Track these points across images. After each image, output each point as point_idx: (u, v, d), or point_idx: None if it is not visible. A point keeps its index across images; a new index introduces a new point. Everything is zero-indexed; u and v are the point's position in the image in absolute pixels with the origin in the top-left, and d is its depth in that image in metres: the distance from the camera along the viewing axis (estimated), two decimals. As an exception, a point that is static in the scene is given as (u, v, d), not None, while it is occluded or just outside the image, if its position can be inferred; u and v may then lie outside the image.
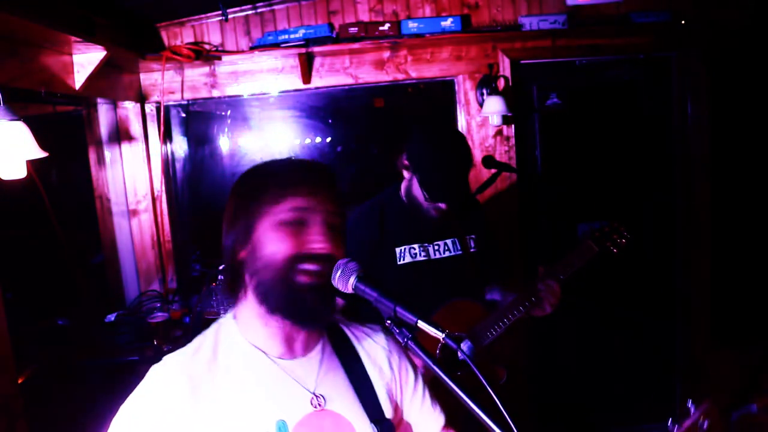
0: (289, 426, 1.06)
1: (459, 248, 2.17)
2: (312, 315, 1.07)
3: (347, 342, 1.22)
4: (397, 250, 2.11)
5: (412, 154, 2.06)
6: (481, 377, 0.91)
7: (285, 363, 1.12)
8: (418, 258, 2.12)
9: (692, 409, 1.10)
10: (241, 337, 1.12)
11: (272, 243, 1.06)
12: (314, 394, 1.11)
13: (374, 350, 1.23)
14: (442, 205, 2.03)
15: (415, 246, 2.12)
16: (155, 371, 1.07)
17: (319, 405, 1.11)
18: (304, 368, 1.13)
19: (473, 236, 2.21)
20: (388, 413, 1.18)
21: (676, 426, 1.11)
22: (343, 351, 1.20)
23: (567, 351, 3.53)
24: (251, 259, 1.08)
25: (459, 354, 0.96)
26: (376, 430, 1.12)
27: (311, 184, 1.10)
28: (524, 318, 2.10)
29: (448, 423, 1.30)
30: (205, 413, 1.03)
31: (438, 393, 1.28)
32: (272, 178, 1.11)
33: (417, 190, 2.04)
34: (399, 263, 2.10)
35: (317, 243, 1.06)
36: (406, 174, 2.12)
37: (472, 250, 2.19)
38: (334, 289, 1.07)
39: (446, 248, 2.17)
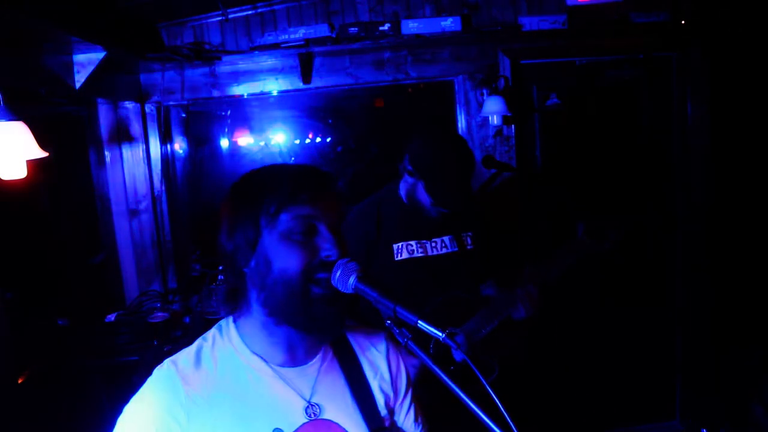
0: None
1: (455, 245, 2.19)
2: (325, 326, 1.07)
3: (349, 348, 1.21)
4: (395, 246, 2.13)
5: (417, 161, 2.08)
6: (479, 376, 0.92)
7: (285, 371, 1.11)
8: (416, 254, 2.14)
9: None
10: (242, 344, 1.10)
11: (282, 257, 1.03)
12: (309, 402, 1.10)
13: (375, 357, 1.23)
14: (447, 210, 2.06)
15: (413, 243, 2.14)
16: (155, 375, 1.08)
17: (314, 414, 1.10)
18: (303, 376, 1.12)
19: (470, 233, 2.24)
20: (387, 422, 1.18)
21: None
22: (345, 358, 1.19)
23: (567, 350, 3.52)
24: (259, 273, 1.06)
25: (454, 351, 0.97)
26: None
27: (312, 190, 1.06)
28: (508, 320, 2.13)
29: None
30: (201, 419, 1.03)
31: (435, 390, 1.28)
32: (271, 187, 1.06)
33: (422, 195, 2.07)
34: (396, 259, 2.12)
35: (328, 251, 1.04)
36: (408, 178, 2.13)
37: (468, 247, 2.22)
38: (347, 298, 1.06)
39: (443, 245, 2.19)
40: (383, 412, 1.18)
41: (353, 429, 1.13)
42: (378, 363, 1.22)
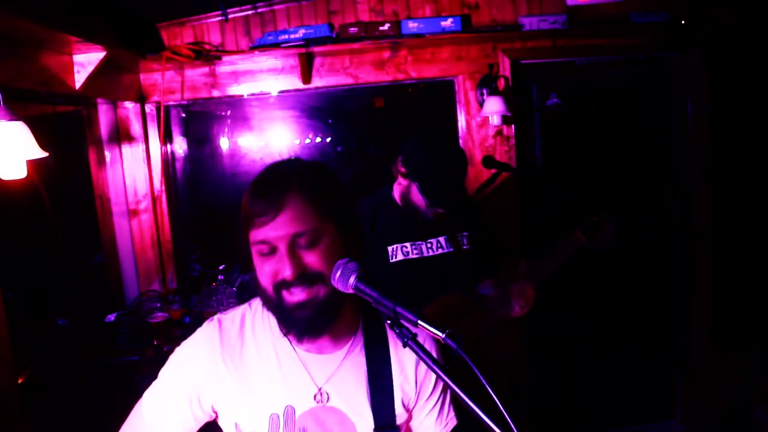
0: (296, 413, 1.15)
1: (451, 246, 2.19)
2: (307, 329, 1.11)
3: (383, 343, 1.23)
4: (389, 248, 2.14)
5: (410, 163, 2.09)
6: (479, 375, 0.92)
7: (307, 356, 1.18)
8: (411, 256, 2.15)
9: None
10: (276, 324, 1.18)
11: (258, 270, 1.12)
12: (320, 389, 1.17)
13: (405, 357, 1.24)
14: (442, 209, 2.06)
15: (407, 244, 2.15)
16: (203, 329, 1.22)
17: (321, 400, 1.16)
18: (322, 364, 1.18)
19: (465, 234, 2.24)
20: (400, 420, 1.21)
21: None
22: (374, 351, 1.22)
23: (566, 350, 3.53)
24: (254, 280, 1.15)
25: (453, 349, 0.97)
26: None
27: (273, 212, 1.07)
28: (504, 317, 2.13)
29: None
30: (228, 379, 1.16)
31: None
32: (247, 205, 1.11)
33: (416, 196, 2.08)
34: (391, 261, 2.13)
35: (285, 270, 1.07)
36: (402, 180, 2.14)
37: (464, 247, 2.22)
38: (331, 300, 1.09)
39: (439, 246, 2.19)
40: (398, 410, 1.20)
41: (360, 421, 1.18)
42: (406, 363, 1.24)
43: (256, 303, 1.23)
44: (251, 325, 1.21)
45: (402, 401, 1.21)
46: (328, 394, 1.17)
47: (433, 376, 1.26)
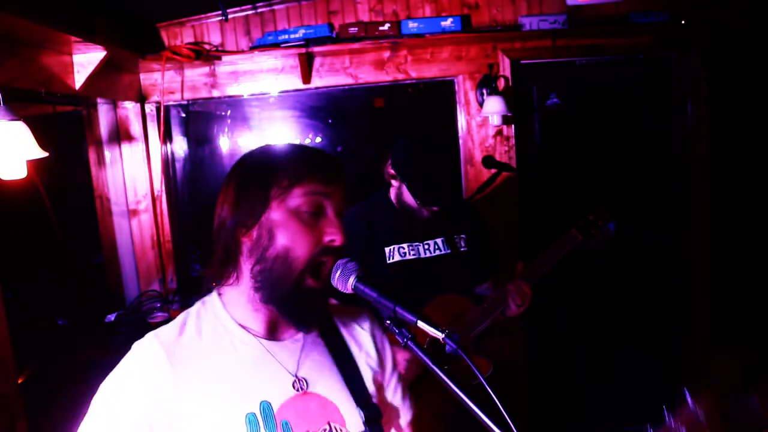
0: (273, 407, 1.06)
1: (448, 247, 2.19)
2: (305, 317, 1.08)
3: (333, 326, 1.22)
4: (387, 249, 2.14)
5: (398, 163, 2.10)
6: (479, 375, 0.92)
7: (268, 344, 1.11)
8: (408, 256, 2.15)
9: (689, 399, 1.07)
10: (226, 315, 1.11)
11: (288, 235, 1.03)
12: (296, 377, 1.10)
13: (359, 334, 1.23)
14: (435, 207, 2.06)
15: (405, 245, 2.15)
16: (136, 348, 1.09)
17: (301, 388, 1.09)
18: (287, 351, 1.12)
19: (463, 236, 2.24)
20: (374, 397, 1.18)
21: (671, 417, 1.05)
22: (329, 335, 1.19)
23: (566, 350, 3.53)
24: (258, 244, 1.06)
25: (447, 348, 0.97)
26: (362, 413, 1.11)
27: (327, 170, 1.08)
28: (501, 318, 2.13)
29: (415, 421, 1.29)
30: (186, 390, 1.03)
31: (431, 388, 1.28)
32: (287, 160, 1.09)
33: (408, 197, 2.08)
34: (388, 262, 2.13)
35: (334, 235, 1.05)
36: (393, 182, 2.14)
37: (462, 249, 2.22)
38: (332, 292, 1.07)
39: (436, 247, 2.19)
40: (371, 387, 1.18)
41: (341, 403, 1.12)
42: (363, 339, 1.23)
43: (196, 306, 1.15)
44: (196, 327, 1.10)
45: (372, 378, 1.19)
46: (306, 380, 1.10)
47: (390, 349, 1.27)
